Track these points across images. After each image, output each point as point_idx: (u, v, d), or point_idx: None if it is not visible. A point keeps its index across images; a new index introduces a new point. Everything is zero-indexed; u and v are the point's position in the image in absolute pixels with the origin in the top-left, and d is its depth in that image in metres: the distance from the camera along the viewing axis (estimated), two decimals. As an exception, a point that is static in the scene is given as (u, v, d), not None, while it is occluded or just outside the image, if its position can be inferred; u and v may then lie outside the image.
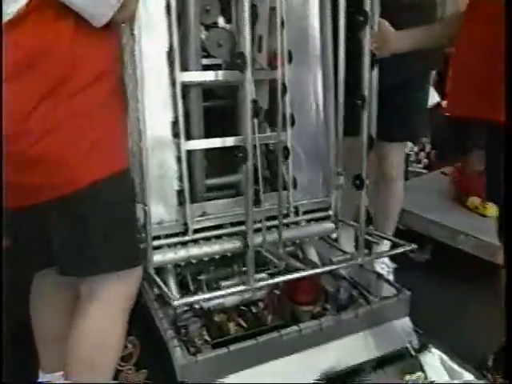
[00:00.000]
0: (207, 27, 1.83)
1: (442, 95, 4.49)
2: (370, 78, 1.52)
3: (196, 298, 1.51)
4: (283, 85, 1.73)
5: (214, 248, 1.71)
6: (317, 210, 1.88)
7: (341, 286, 1.86)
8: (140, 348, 1.75)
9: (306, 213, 1.87)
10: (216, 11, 1.83)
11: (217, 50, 1.86)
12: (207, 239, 1.72)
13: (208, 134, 1.78)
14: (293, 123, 1.81)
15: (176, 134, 1.62)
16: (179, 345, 1.46)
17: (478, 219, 2.66)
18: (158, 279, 1.53)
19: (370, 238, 1.73)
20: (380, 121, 1.61)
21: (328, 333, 1.58)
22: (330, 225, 1.90)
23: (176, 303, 1.40)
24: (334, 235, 1.97)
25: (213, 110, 1.94)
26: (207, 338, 1.69)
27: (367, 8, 1.48)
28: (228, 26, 1.88)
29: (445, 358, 1.69)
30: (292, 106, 1.79)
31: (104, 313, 1.32)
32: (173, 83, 1.60)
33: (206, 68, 1.82)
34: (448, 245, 2.60)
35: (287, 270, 1.66)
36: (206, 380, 1.42)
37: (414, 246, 1.70)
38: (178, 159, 1.65)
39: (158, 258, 1.63)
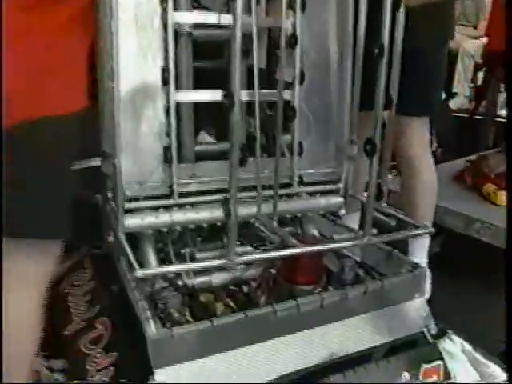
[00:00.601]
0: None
1: (448, 94, 4.34)
2: (392, 24, 1.28)
3: (163, 269, 1.30)
4: (293, 35, 1.52)
5: (202, 214, 1.49)
6: (324, 182, 1.66)
7: (345, 264, 1.61)
8: (111, 330, 1.50)
9: (311, 184, 1.65)
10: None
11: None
12: (194, 204, 1.51)
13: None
14: (302, 81, 1.59)
15: (165, 82, 1.42)
16: (152, 317, 1.21)
17: (494, 207, 2.46)
18: (126, 245, 1.29)
19: (381, 216, 1.50)
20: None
21: (331, 311, 1.33)
22: (337, 199, 1.66)
23: (140, 273, 1.15)
24: (342, 212, 1.72)
25: (203, 72, 1.73)
26: (189, 318, 1.45)
27: None
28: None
29: (467, 346, 1.44)
30: (301, 61, 1.57)
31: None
32: (164, 25, 1.39)
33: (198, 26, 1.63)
34: (458, 237, 2.41)
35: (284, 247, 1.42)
36: (183, 360, 1.17)
37: (431, 229, 1.48)
38: (166, 111, 1.44)
39: (135, 221, 1.42)
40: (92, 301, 1.68)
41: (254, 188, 1.48)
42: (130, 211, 1.41)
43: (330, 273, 1.63)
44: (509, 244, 1.36)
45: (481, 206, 2.47)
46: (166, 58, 1.38)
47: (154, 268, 1.30)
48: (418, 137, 2.02)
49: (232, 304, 1.54)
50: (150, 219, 1.43)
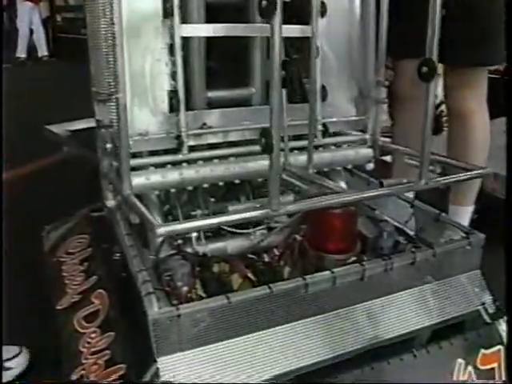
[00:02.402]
0: None
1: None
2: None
3: (190, 224, 1.00)
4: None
5: (217, 171, 1.28)
6: (349, 133, 1.46)
7: (383, 230, 1.37)
8: (109, 305, 1.28)
9: (336, 134, 1.44)
10: None
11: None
12: (207, 159, 1.29)
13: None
14: (322, 14, 1.34)
15: (168, 13, 1.18)
16: (155, 292, 0.98)
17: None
18: (138, 202, 1.05)
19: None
20: (444, 40, 1.13)
21: (373, 285, 1.09)
22: (366, 150, 1.45)
23: (161, 231, 0.91)
24: (371, 165, 1.49)
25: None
26: (201, 293, 1.23)
27: None
28: None
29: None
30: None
31: None
32: None
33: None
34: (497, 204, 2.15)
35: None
36: (193, 345, 0.95)
37: (490, 170, 1.23)
38: (171, 49, 1.22)
39: (138, 181, 1.21)
40: (88, 270, 1.46)
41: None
42: (132, 169, 1.18)
43: (364, 240, 1.39)
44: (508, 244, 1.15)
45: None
46: None
47: (178, 224, 1.03)
48: (475, 90, 1.77)
49: (251, 276, 1.31)
50: (156, 178, 1.23)
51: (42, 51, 8.21)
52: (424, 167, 1.08)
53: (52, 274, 1.57)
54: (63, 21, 8.68)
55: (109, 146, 1.25)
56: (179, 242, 1.30)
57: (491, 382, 1.18)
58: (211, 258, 1.32)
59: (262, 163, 1.28)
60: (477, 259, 1.22)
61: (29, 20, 7.94)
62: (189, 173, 1.26)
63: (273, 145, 0.88)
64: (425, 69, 1.02)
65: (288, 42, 1.41)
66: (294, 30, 1.36)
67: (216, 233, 1.38)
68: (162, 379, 0.93)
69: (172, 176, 1.25)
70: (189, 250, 1.31)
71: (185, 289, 1.08)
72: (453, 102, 1.80)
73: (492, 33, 1.68)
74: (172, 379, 0.94)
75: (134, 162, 1.22)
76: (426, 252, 1.15)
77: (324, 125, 1.40)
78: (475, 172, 1.20)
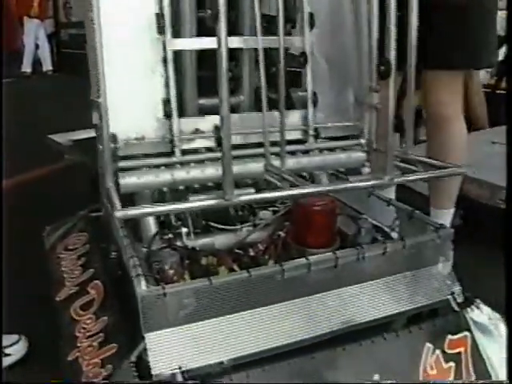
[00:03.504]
0: None
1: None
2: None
3: (148, 209, 1.10)
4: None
5: (208, 172, 1.37)
6: (345, 138, 1.53)
7: (361, 226, 1.46)
8: (103, 294, 1.37)
9: (330, 139, 1.52)
10: None
11: None
12: (199, 162, 1.39)
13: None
14: (312, 25, 1.45)
15: (161, 29, 1.30)
16: (144, 273, 1.07)
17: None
18: (113, 192, 1.17)
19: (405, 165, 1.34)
20: (425, 44, 1.24)
21: (346, 272, 1.18)
22: (359, 154, 1.52)
23: (119, 214, 1.01)
24: (366, 170, 1.56)
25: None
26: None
27: None
28: None
29: (495, 315, 1.29)
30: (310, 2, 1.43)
31: None
32: None
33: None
34: (481, 209, 2.24)
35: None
36: (177, 323, 1.04)
37: (463, 169, 1.33)
38: (164, 60, 1.33)
39: (131, 180, 1.31)
40: (86, 264, 1.56)
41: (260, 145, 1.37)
42: (127, 170, 1.30)
43: (344, 236, 1.48)
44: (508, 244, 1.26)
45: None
46: (161, 4, 1.28)
47: (137, 208, 1.13)
48: (450, 95, 1.82)
49: (237, 268, 1.40)
50: (148, 177, 1.32)
51: (47, 66, 8.38)
52: (388, 163, 1.15)
53: (52, 270, 1.66)
54: (68, 37, 8.85)
55: (100, 146, 1.34)
56: (170, 236, 1.40)
57: (491, 382, 1.26)
58: (199, 251, 1.41)
59: (250, 165, 1.39)
60: (447, 252, 1.31)
61: (34, 36, 8.12)
62: (180, 174, 1.35)
63: (222, 138, 0.98)
64: (382, 68, 1.12)
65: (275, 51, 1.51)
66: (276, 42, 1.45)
67: (205, 229, 1.47)
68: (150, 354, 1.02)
69: (164, 176, 1.33)
70: (179, 243, 1.40)
71: (171, 271, 1.16)
72: (429, 106, 1.85)
73: (467, 37, 1.72)
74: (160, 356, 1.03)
75: (128, 163, 1.33)
76: (396, 243, 1.24)
77: (315, 129, 1.49)
78: (447, 170, 1.27)
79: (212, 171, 1.37)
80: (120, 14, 1.23)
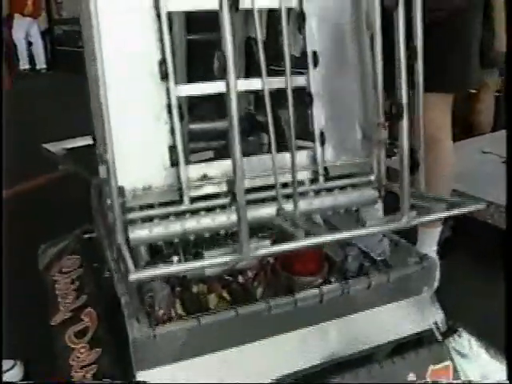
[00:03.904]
0: None
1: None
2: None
3: (162, 270, 1.05)
4: (300, 13, 1.39)
5: (218, 220, 1.32)
6: (354, 175, 1.48)
7: (348, 253, 1.50)
8: (98, 322, 1.41)
9: (339, 177, 1.47)
10: None
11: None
12: (208, 209, 1.33)
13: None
14: (316, 63, 1.43)
15: (164, 76, 1.27)
16: (136, 313, 1.10)
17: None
18: (127, 253, 1.12)
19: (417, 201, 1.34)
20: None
21: (331, 307, 1.22)
22: (371, 192, 1.47)
23: (133, 277, 0.97)
24: (377, 206, 1.54)
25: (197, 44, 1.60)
26: (181, 312, 1.36)
27: None
28: None
29: (477, 344, 1.33)
30: (313, 39, 1.42)
31: None
32: (157, 15, 1.25)
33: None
34: (472, 220, 2.26)
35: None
36: (168, 361, 1.07)
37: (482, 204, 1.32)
38: (169, 107, 1.29)
39: (142, 233, 1.26)
40: (79, 289, 1.59)
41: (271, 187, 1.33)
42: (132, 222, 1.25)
43: (331, 262, 1.52)
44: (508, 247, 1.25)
45: (496, 189, 2.32)
46: (163, 50, 1.24)
47: (149, 270, 1.07)
48: (439, 114, 1.85)
49: (226, 296, 1.44)
50: (158, 230, 1.26)
51: (40, 64, 8.34)
52: (405, 204, 1.14)
53: (46, 292, 1.69)
54: (62, 33, 8.80)
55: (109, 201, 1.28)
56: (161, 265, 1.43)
57: (491, 381, 1.31)
58: (190, 279, 1.44)
59: (262, 211, 1.35)
60: (430, 281, 1.35)
61: (25, 33, 8.07)
62: (191, 224, 1.29)
63: (236, 195, 0.99)
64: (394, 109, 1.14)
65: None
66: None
67: (196, 256, 1.50)
68: (141, 392, 1.06)
69: (174, 227, 1.28)
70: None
71: (162, 312, 1.20)
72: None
73: (454, 61, 1.77)
74: None
75: (137, 214, 1.26)
76: (380, 276, 1.28)
77: (325, 169, 1.45)
78: (467, 208, 1.23)
79: (223, 219, 1.32)
80: (123, 63, 1.22)
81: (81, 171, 2.69)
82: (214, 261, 1.06)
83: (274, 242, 1.46)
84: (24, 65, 8.15)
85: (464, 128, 3.48)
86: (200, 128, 1.67)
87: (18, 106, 4.80)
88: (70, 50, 7.79)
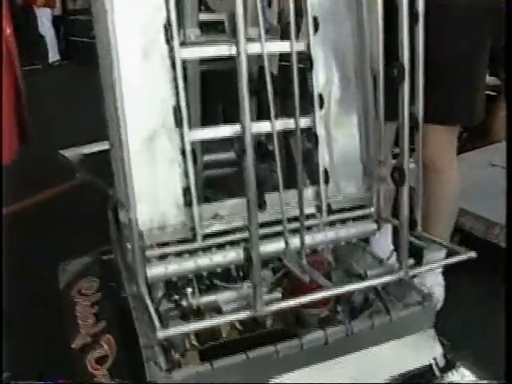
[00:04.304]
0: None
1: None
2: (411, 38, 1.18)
3: (186, 327, 1.19)
4: (309, 59, 1.45)
5: (229, 256, 1.41)
6: (355, 208, 1.56)
7: (354, 286, 1.57)
8: (116, 351, 1.50)
9: (340, 211, 1.55)
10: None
11: (217, 2, 1.59)
12: (220, 246, 1.42)
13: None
14: (321, 104, 1.50)
15: (178, 122, 1.34)
16: (153, 357, 1.19)
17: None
18: (149, 303, 1.21)
19: (415, 240, 1.43)
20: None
21: (336, 347, 1.30)
22: (370, 225, 1.56)
23: (160, 335, 1.08)
24: (376, 237, 1.64)
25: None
26: (195, 342, 1.44)
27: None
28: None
29: (473, 380, 1.41)
30: (319, 82, 1.48)
31: None
32: (172, 63, 1.32)
33: (205, 24, 1.57)
34: (475, 240, 2.31)
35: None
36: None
37: (473, 253, 1.40)
38: (182, 152, 1.36)
39: (158, 270, 1.34)
40: (99, 314, 1.69)
41: (277, 222, 1.42)
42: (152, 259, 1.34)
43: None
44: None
45: (501, 208, 2.36)
46: (177, 97, 1.31)
47: (175, 328, 1.18)
48: (442, 146, 1.88)
49: (238, 326, 1.52)
50: (174, 267, 1.35)
51: (53, 56, 8.29)
52: (403, 257, 1.24)
53: (67, 313, 1.79)
54: (76, 23, 8.76)
55: (129, 245, 1.34)
56: (176, 297, 1.51)
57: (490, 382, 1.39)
58: (204, 311, 1.52)
59: (268, 247, 1.42)
60: (430, 319, 1.42)
61: (49, 22, 8.06)
62: (203, 261, 1.38)
63: (253, 259, 1.07)
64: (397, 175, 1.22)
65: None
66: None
67: (209, 286, 1.58)
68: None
69: (188, 264, 1.37)
70: (185, 303, 1.51)
71: (177, 356, 1.28)
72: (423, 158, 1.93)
73: (456, 95, 1.79)
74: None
75: (153, 252, 1.33)
76: (383, 317, 1.36)
77: (328, 204, 1.51)
78: (460, 256, 1.37)
79: (233, 255, 1.41)
80: (139, 108, 1.29)
81: (96, 181, 2.74)
82: (231, 317, 1.19)
83: (285, 276, 1.59)
84: (54, 57, 8.12)
85: (480, 136, 3.49)
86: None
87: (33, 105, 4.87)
88: (85, 41, 7.80)
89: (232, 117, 1.63)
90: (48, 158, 3.34)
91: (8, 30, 1.30)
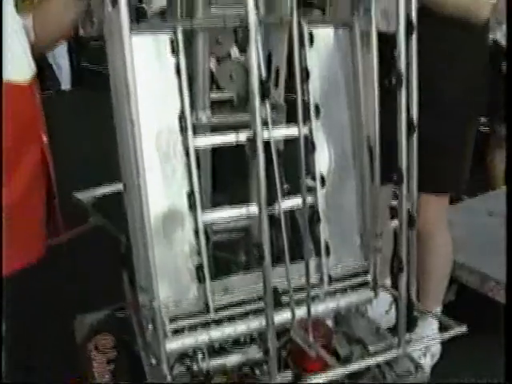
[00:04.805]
0: (219, 59, 1.70)
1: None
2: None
3: None
4: (311, 142, 1.59)
5: (239, 328, 1.53)
6: (352, 277, 1.68)
7: (354, 351, 1.68)
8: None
9: (339, 280, 1.67)
10: (229, 42, 1.68)
11: (228, 83, 1.72)
12: (230, 318, 1.54)
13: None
14: (323, 184, 1.63)
15: (192, 206, 1.47)
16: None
17: None
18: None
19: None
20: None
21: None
22: (368, 293, 1.68)
23: None
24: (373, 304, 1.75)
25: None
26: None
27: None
28: (242, 58, 1.74)
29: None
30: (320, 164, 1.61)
31: None
32: (186, 151, 1.45)
33: (216, 102, 1.69)
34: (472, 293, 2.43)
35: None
36: None
37: (464, 329, 1.51)
38: (196, 233, 1.48)
39: (176, 344, 1.45)
40: (115, 372, 1.80)
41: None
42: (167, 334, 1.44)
43: (338, 356, 1.70)
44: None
45: (496, 261, 2.45)
46: (191, 182, 1.44)
47: None
48: (433, 213, 2.01)
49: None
50: (188, 340, 1.46)
51: (66, 84, 8.51)
52: (401, 333, 1.36)
53: (84, 368, 1.90)
54: (89, 50, 8.95)
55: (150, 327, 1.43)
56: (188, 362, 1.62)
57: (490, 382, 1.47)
58: (214, 372, 1.63)
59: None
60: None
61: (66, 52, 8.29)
62: (216, 333, 1.49)
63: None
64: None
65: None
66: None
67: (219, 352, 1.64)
68: None
69: (202, 337, 1.48)
70: (195, 367, 1.62)
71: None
72: None
73: (448, 163, 1.94)
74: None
75: (169, 326, 1.43)
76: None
77: (329, 275, 1.63)
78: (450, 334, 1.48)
79: (243, 327, 1.52)
80: (155, 194, 1.40)
81: (109, 227, 2.82)
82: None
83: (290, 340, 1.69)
84: (66, 85, 8.35)
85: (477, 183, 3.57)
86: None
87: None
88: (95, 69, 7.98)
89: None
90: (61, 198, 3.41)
91: (44, 138, 1.39)
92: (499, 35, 2.83)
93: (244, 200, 1.60)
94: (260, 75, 1.21)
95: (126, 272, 1.98)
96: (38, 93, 1.46)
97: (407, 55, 1.28)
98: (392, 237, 2.08)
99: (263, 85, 1.22)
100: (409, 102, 1.31)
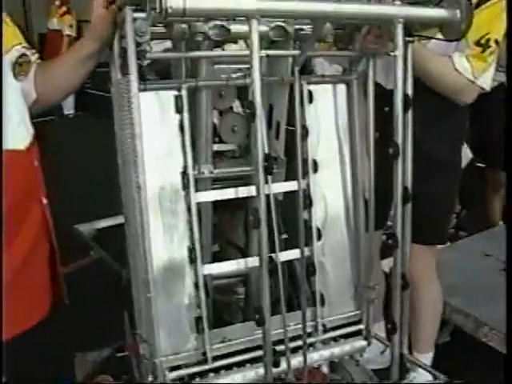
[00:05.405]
0: (221, 112, 1.76)
1: (475, 150, 3.96)
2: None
3: None
4: (309, 197, 1.65)
5: (236, 378, 1.57)
6: (346, 325, 1.73)
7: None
8: None
9: (333, 329, 1.72)
10: (231, 96, 1.73)
11: (230, 135, 1.77)
12: (228, 367, 1.58)
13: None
14: (319, 237, 1.69)
15: (193, 260, 1.52)
16: None
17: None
18: None
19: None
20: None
21: None
22: (361, 342, 1.73)
23: None
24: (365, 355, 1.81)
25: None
26: None
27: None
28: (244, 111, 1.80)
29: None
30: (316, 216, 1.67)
31: None
32: (188, 207, 1.51)
33: (218, 153, 1.73)
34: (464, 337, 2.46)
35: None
36: None
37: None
38: (196, 285, 1.53)
39: None
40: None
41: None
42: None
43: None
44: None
45: (490, 306, 2.48)
46: (192, 237, 1.48)
47: None
48: (420, 263, 2.04)
49: None
50: None
51: (68, 109, 8.50)
52: None
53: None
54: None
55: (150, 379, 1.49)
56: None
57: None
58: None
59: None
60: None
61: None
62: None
63: None
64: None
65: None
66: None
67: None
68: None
69: None
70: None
71: None
72: None
73: (436, 216, 2.01)
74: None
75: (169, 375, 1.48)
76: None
77: (324, 324, 1.69)
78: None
79: (239, 378, 1.56)
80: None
81: (110, 261, 2.83)
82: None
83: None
84: (69, 110, 8.38)
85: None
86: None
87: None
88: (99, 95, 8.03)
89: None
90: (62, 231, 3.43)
91: (44, 201, 1.42)
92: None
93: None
94: (264, 151, 1.26)
95: (126, 311, 2.01)
96: (36, 157, 1.47)
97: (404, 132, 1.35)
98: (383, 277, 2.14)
99: (268, 160, 1.26)
100: (404, 173, 1.37)
